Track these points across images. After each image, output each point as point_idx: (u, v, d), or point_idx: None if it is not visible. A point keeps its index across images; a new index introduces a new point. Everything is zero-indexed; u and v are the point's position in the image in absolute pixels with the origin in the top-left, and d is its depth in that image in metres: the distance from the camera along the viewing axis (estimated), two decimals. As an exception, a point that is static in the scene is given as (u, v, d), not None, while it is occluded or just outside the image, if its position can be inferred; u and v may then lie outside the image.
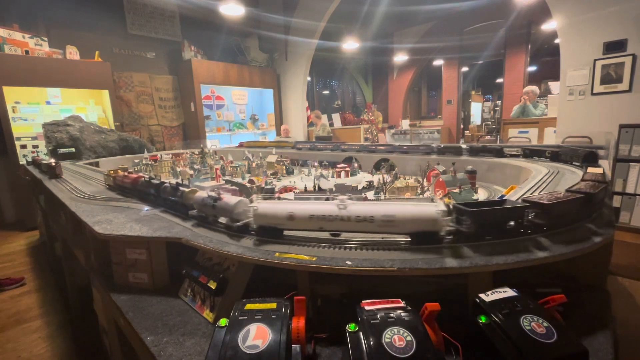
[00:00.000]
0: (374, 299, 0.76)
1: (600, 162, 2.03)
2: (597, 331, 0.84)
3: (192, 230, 1.21)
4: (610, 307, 0.97)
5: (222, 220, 1.19)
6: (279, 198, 2.08)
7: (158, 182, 1.65)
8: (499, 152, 2.66)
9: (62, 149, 4.15)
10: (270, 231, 1.04)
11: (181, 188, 1.43)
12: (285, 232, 1.06)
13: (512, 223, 0.96)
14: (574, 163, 2.09)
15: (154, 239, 1.19)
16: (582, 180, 1.34)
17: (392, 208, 0.93)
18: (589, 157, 2.00)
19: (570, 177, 1.74)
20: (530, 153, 2.48)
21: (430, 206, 0.92)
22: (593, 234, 0.97)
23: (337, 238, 1.03)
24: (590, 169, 1.63)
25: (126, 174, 2.00)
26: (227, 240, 1.08)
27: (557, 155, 2.25)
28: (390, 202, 1.16)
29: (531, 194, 1.39)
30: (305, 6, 7.41)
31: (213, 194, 1.20)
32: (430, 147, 3.09)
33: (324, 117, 8.56)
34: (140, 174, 1.96)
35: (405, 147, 3.26)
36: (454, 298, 0.89)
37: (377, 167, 3.33)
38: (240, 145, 5.42)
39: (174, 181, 1.62)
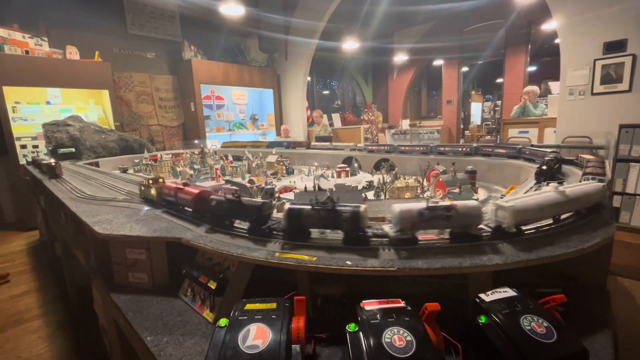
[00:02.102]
0: (374, 299, 0.76)
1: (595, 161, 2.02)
2: (597, 331, 0.84)
3: (191, 230, 1.21)
4: (610, 307, 0.96)
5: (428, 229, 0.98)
6: (279, 198, 2.08)
7: (261, 203, 1.10)
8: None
9: (62, 149, 4.15)
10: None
11: (344, 208, 0.97)
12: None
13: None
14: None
15: (154, 239, 1.19)
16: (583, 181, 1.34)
17: (584, 188, 1.11)
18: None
19: (571, 177, 1.74)
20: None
21: (593, 183, 1.16)
22: (593, 234, 0.97)
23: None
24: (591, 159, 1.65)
25: (180, 185, 1.45)
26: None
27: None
28: (574, 184, 1.20)
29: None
30: (305, 6, 7.40)
31: (432, 204, 0.93)
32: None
33: (324, 117, 8.56)
34: (205, 188, 1.36)
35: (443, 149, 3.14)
36: (454, 298, 0.89)
37: (377, 167, 3.33)
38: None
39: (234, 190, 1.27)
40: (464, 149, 2.88)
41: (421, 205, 0.94)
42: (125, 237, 1.22)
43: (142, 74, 7.03)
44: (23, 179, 4.43)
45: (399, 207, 0.95)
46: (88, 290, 1.87)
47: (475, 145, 2.84)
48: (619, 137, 3.54)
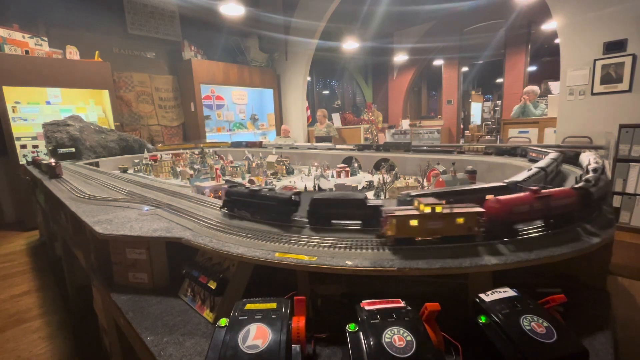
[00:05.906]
0: (374, 299, 0.76)
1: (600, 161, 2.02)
2: (597, 331, 0.84)
3: (191, 230, 1.21)
4: (610, 307, 0.96)
5: None
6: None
7: None
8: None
9: (62, 149, 4.14)
10: None
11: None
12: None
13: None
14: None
15: (154, 239, 1.19)
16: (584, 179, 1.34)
17: None
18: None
19: (572, 176, 1.74)
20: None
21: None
22: (593, 234, 0.97)
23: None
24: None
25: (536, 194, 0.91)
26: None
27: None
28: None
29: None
30: (305, 6, 7.41)
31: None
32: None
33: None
34: None
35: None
36: (454, 298, 0.89)
37: (377, 167, 3.33)
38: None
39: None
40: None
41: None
42: (125, 237, 1.21)
43: (142, 74, 7.03)
44: (23, 179, 4.43)
45: None
46: (88, 290, 1.87)
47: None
48: (619, 137, 3.54)
